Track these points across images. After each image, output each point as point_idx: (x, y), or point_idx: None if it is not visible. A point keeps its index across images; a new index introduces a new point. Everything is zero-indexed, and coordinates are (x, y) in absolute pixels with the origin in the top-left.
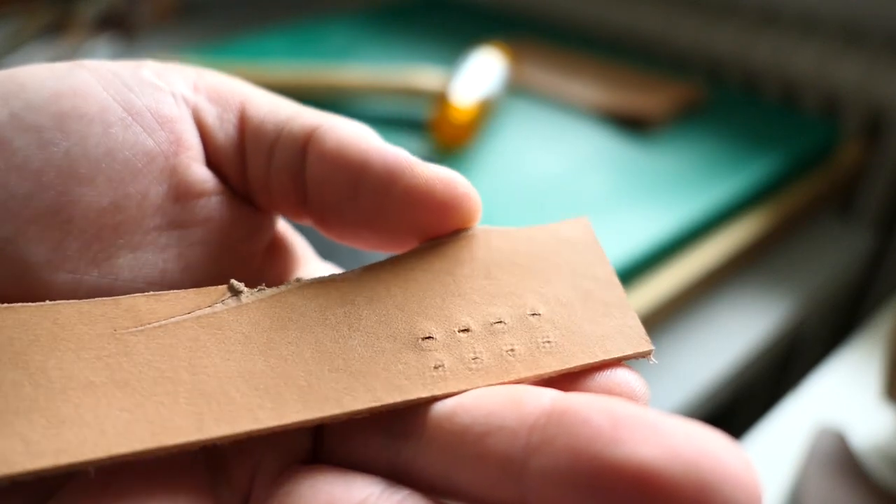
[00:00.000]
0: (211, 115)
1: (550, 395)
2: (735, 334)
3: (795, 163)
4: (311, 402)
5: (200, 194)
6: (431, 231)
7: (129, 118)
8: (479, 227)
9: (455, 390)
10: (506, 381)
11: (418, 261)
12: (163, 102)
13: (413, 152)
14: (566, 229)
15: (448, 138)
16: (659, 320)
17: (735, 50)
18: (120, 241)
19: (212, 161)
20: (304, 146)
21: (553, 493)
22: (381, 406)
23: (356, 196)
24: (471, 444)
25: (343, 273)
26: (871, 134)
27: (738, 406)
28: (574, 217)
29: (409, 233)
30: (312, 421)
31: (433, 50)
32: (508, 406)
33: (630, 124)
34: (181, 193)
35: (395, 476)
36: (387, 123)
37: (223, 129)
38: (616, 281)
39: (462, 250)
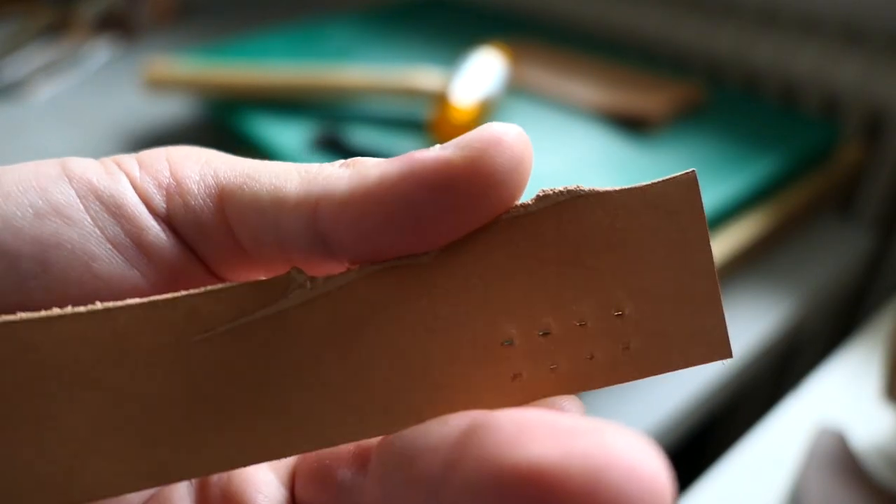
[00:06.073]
0: (192, 230)
1: (473, 414)
2: (735, 335)
3: (795, 163)
4: (392, 414)
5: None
6: (489, 215)
7: (113, 250)
8: (570, 189)
9: (532, 400)
10: (582, 390)
11: (501, 241)
12: (147, 230)
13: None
14: (671, 193)
15: (448, 139)
16: None
17: (735, 50)
18: None
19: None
20: (312, 222)
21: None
22: None
23: (392, 230)
24: (404, 469)
25: (418, 257)
26: (871, 134)
27: (738, 406)
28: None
29: (458, 232)
30: (393, 431)
31: (433, 50)
32: (434, 426)
33: (630, 124)
34: None
35: None
36: (387, 123)
37: (209, 240)
38: (712, 269)
39: (550, 226)
